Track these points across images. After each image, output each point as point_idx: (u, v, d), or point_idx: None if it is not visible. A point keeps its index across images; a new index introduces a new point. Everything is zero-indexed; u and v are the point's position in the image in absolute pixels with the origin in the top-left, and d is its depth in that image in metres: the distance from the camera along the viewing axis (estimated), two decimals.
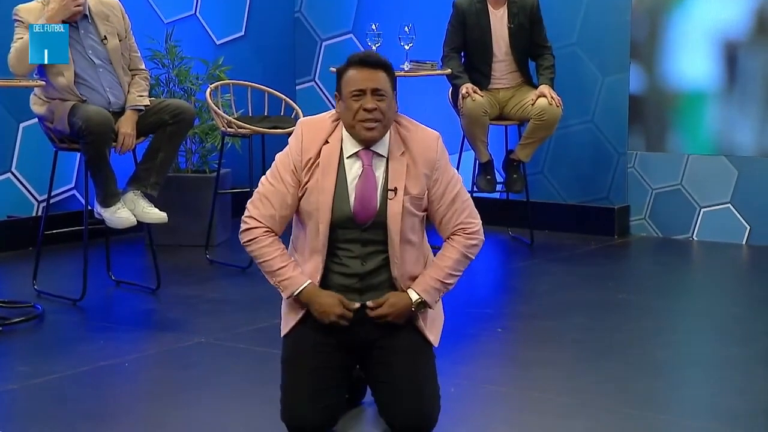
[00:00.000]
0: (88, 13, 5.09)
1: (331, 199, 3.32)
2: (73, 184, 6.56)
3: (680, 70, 6.62)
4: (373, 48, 6.17)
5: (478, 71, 6.28)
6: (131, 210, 5.04)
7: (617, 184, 6.83)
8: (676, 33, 6.62)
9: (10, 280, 5.65)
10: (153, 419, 3.73)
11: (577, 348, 4.54)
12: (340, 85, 3.36)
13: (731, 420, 3.69)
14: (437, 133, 3.42)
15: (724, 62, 6.49)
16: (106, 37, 5.11)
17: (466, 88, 6.12)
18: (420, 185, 3.36)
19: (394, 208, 3.32)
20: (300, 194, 3.36)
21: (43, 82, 4.97)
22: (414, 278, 3.39)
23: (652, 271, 6.18)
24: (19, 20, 4.99)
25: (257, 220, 3.38)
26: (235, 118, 5.87)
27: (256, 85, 6.33)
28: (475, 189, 6.37)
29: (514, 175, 6.37)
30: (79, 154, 5.62)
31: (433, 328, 3.46)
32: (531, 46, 6.32)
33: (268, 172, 3.42)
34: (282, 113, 6.13)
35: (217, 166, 6.19)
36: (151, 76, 5.49)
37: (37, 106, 5.11)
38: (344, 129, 3.36)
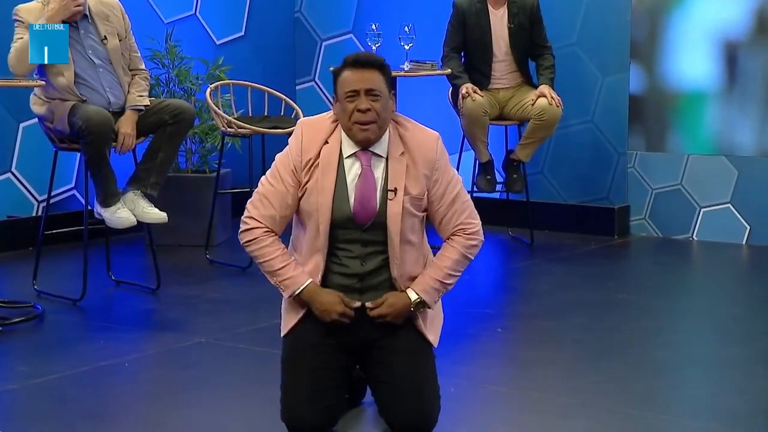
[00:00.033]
0: (88, 13, 5.09)
1: (331, 199, 3.32)
2: (73, 184, 6.56)
3: (680, 70, 6.62)
4: (373, 48, 6.18)
5: (478, 71, 6.28)
6: (131, 210, 5.04)
7: (617, 184, 6.83)
8: (676, 33, 6.62)
9: (10, 280, 5.65)
10: (153, 419, 3.73)
11: (577, 348, 4.54)
12: (336, 87, 3.36)
13: (731, 420, 3.69)
14: (437, 133, 3.42)
15: (724, 62, 6.49)
16: (106, 37, 5.11)
17: (466, 88, 6.12)
18: (420, 186, 3.36)
19: (394, 208, 3.32)
20: (300, 194, 3.36)
21: (43, 82, 4.97)
22: (414, 278, 3.39)
23: (652, 271, 6.18)
24: (19, 20, 4.99)
25: (257, 220, 3.38)
26: (235, 118, 5.87)
27: (256, 85, 6.33)
28: (475, 189, 6.37)
29: (514, 175, 6.37)
30: (79, 154, 5.62)
31: (432, 328, 3.46)
32: (531, 46, 6.32)
33: (267, 172, 3.42)
34: (282, 113, 6.13)
35: (217, 166, 6.19)
36: (151, 76, 5.49)
37: (37, 106, 5.11)
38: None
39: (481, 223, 3.46)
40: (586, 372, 4.19)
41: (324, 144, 3.36)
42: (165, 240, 6.16)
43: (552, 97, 6.09)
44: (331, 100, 3.44)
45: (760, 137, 6.45)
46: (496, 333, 4.80)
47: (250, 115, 6.12)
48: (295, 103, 6.42)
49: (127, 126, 5.06)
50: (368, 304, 3.36)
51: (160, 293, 5.36)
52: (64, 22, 4.94)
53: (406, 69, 6.20)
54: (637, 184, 6.79)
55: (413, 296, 3.37)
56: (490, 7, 6.25)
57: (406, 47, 6.23)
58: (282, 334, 3.45)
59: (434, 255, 3.49)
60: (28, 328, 4.79)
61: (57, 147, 5.17)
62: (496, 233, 6.71)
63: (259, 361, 4.30)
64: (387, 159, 3.36)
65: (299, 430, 3.36)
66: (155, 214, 5.08)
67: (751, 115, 6.47)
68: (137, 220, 5.04)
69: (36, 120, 5.39)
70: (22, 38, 4.91)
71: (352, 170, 3.35)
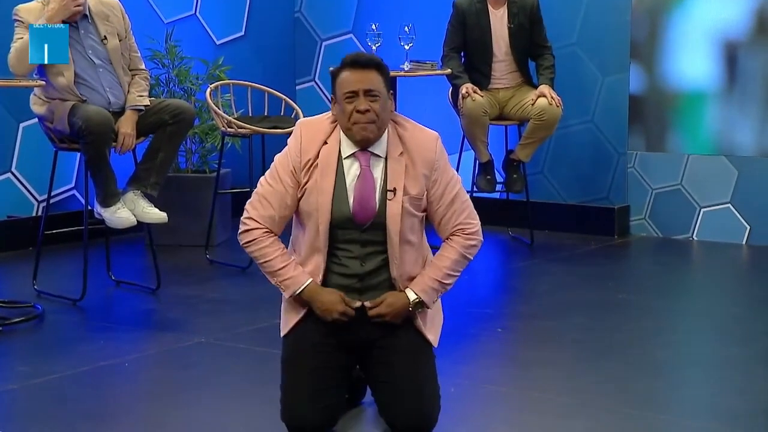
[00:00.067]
0: (88, 13, 5.09)
1: (330, 199, 3.32)
2: (73, 184, 6.56)
3: (680, 70, 6.62)
4: (373, 48, 6.18)
5: (478, 71, 6.28)
6: (131, 210, 5.04)
7: (617, 184, 6.83)
8: (676, 33, 6.62)
9: (10, 280, 5.65)
10: (153, 419, 3.73)
11: (577, 348, 4.54)
12: (335, 87, 3.36)
13: (731, 420, 3.69)
14: (436, 133, 3.42)
15: (724, 62, 6.49)
16: (106, 37, 5.11)
17: (466, 88, 6.12)
18: (419, 186, 3.36)
19: (394, 208, 3.32)
20: (299, 195, 3.36)
21: (43, 82, 4.97)
22: (413, 278, 3.40)
23: (652, 271, 6.18)
24: (19, 20, 4.99)
25: (256, 221, 3.38)
26: (235, 118, 5.87)
27: (256, 85, 6.33)
28: (475, 189, 6.37)
29: (514, 175, 6.37)
30: (79, 154, 5.62)
31: (432, 328, 3.46)
32: (531, 46, 6.32)
33: (266, 173, 3.42)
34: (282, 113, 6.13)
35: (217, 166, 6.19)
36: (151, 76, 5.49)
37: (37, 106, 5.11)
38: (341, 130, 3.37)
39: (480, 223, 3.46)
40: (586, 372, 4.19)
41: (323, 144, 3.36)
42: (165, 240, 6.16)
43: (552, 97, 6.09)
44: (331, 100, 3.44)
45: (760, 137, 6.45)
46: (496, 333, 4.80)
47: (250, 115, 6.12)
48: (295, 103, 6.42)
49: (127, 126, 5.06)
50: (367, 304, 3.36)
51: (160, 293, 5.36)
52: (64, 22, 4.94)
53: (406, 69, 6.20)
54: (637, 184, 6.79)
55: (412, 296, 3.37)
56: (490, 7, 6.25)
57: (406, 47, 6.23)
58: (282, 334, 3.45)
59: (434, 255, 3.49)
60: (28, 328, 4.79)
61: (57, 147, 5.17)
62: (496, 233, 6.71)
63: (259, 361, 4.30)
64: (386, 159, 3.36)
65: (299, 430, 3.36)
66: (155, 214, 5.08)
67: (751, 115, 6.47)
68: (137, 220, 5.04)
69: (36, 120, 5.39)
70: (22, 38, 4.91)
71: (351, 170, 3.35)
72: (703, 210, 6.63)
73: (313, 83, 7.72)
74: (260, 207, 3.38)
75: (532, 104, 6.13)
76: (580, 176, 6.93)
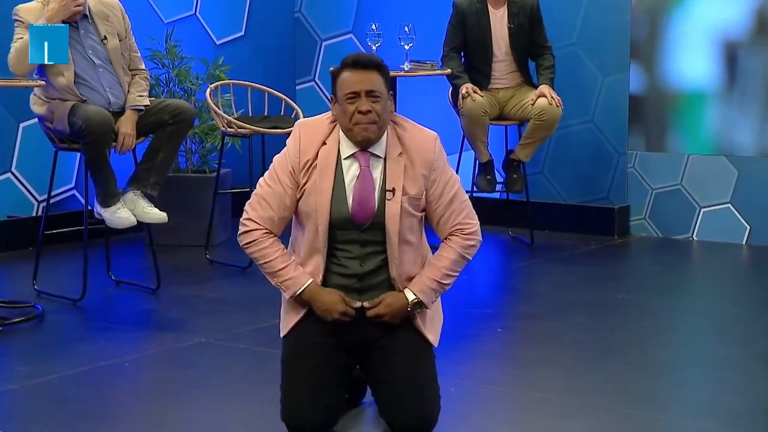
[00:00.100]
0: (88, 13, 5.09)
1: (329, 200, 3.32)
2: (73, 184, 6.56)
3: (680, 70, 6.62)
4: (373, 48, 6.18)
5: (478, 71, 6.28)
6: (131, 210, 5.04)
7: (617, 184, 6.83)
8: (676, 33, 6.62)
9: (10, 280, 5.65)
10: (153, 419, 3.73)
11: (577, 348, 4.54)
12: (335, 88, 3.36)
13: (731, 420, 3.69)
14: (435, 133, 3.42)
15: (724, 62, 6.49)
16: (106, 37, 5.11)
17: (466, 88, 6.12)
18: (418, 186, 3.36)
19: (393, 208, 3.32)
20: (298, 196, 3.36)
21: (43, 82, 4.97)
22: (412, 278, 3.40)
23: (652, 271, 6.18)
24: (19, 20, 4.99)
25: (256, 222, 3.38)
26: (235, 118, 5.87)
27: (256, 85, 6.33)
28: (475, 189, 6.37)
29: (514, 175, 6.37)
30: (79, 154, 5.62)
31: (432, 328, 3.46)
32: (531, 46, 6.32)
33: (265, 174, 3.42)
34: (282, 113, 6.13)
35: (217, 166, 6.19)
36: (151, 76, 5.49)
37: (37, 106, 5.11)
38: (341, 130, 3.37)
39: (479, 223, 3.45)
40: (586, 372, 4.19)
41: (322, 145, 3.36)
42: (165, 240, 6.16)
43: (552, 97, 6.09)
44: (331, 100, 3.44)
45: (760, 137, 6.45)
46: (496, 333, 4.80)
47: (250, 115, 6.12)
48: (295, 103, 6.43)
49: (127, 126, 5.06)
50: (365, 304, 3.36)
51: (160, 293, 5.36)
52: (64, 22, 4.94)
53: (406, 69, 6.20)
54: (637, 184, 6.79)
55: (411, 296, 3.37)
56: (490, 7, 6.25)
57: (406, 47, 6.23)
58: (282, 335, 3.45)
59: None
60: (28, 328, 4.79)
61: (57, 147, 5.17)
62: (496, 233, 6.71)
63: (259, 361, 4.30)
64: (385, 159, 3.36)
65: (299, 430, 3.36)
66: (155, 214, 5.08)
67: (751, 115, 6.47)
68: (137, 220, 5.04)
69: (36, 120, 5.39)
70: (22, 38, 4.91)
71: (351, 171, 3.35)
72: (703, 210, 6.63)
73: (313, 83, 7.72)
74: (259, 208, 3.38)
75: (532, 104, 6.13)
76: (580, 176, 6.93)
